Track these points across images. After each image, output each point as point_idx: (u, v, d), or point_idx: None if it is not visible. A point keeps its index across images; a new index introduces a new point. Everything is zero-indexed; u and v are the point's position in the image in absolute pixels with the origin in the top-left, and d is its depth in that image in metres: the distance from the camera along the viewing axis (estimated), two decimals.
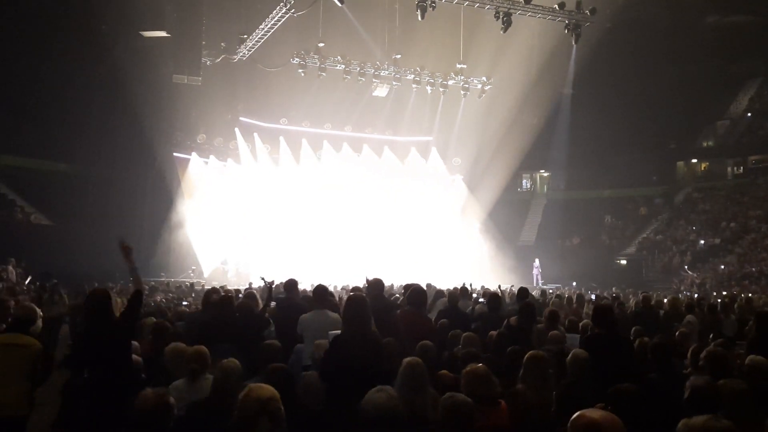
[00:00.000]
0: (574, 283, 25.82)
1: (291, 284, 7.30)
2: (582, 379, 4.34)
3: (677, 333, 6.41)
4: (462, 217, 29.32)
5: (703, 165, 36.68)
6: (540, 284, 26.24)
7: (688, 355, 5.05)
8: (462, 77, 26.66)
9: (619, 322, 7.40)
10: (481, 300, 9.51)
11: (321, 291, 6.37)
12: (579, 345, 5.28)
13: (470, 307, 9.03)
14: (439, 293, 9.66)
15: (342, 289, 14.18)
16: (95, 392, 4.10)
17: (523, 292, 8.32)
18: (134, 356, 4.77)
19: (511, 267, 27.26)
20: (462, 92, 27.35)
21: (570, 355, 4.44)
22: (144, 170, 25.65)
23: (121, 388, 4.14)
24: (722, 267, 26.23)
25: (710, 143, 36.95)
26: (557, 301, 10.45)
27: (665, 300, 10.58)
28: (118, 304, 7.25)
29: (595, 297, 12.52)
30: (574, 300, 11.39)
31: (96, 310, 4.57)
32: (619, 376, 4.10)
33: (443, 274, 21.33)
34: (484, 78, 27.07)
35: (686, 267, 27.78)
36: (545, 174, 38.76)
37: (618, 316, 8.44)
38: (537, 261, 28.39)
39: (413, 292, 6.33)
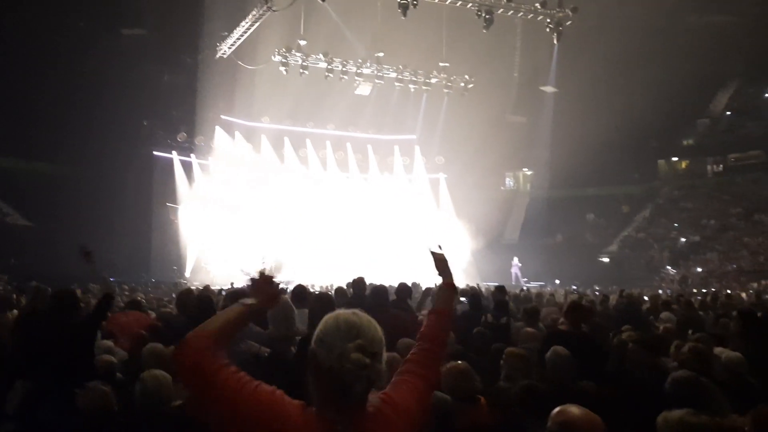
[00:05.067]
0: (558, 281, 25.98)
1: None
2: (554, 376, 4.34)
3: (661, 329, 6.46)
4: (445, 216, 29.35)
5: (684, 163, 37.13)
6: (523, 282, 26.36)
7: (672, 350, 5.08)
8: (444, 75, 26.70)
9: (602, 320, 7.47)
10: (462, 299, 9.50)
11: (299, 291, 6.36)
12: (542, 342, 5.29)
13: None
14: (427, 291, 9.68)
15: (320, 288, 14.12)
16: (50, 394, 4.02)
17: (500, 290, 8.33)
18: (106, 356, 4.70)
19: (495, 265, 27.38)
20: (445, 90, 27.39)
21: (549, 352, 4.45)
22: (124, 169, 25.39)
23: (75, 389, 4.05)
24: (699, 269, 26.53)
25: (691, 142, 37.40)
26: (551, 300, 10.47)
27: (645, 297, 10.67)
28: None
29: (567, 294, 12.57)
30: (557, 298, 11.47)
31: (59, 310, 4.49)
32: (583, 374, 4.11)
33: (427, 272, 21.29)
34: (466, 76, 27.13)
35: (667, 266, 28.09)
36: (528, 172, 38.97)
37: (601, 313, 8.52)
38: (516, 259, 28.61)
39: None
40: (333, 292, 8.73)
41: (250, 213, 26.07)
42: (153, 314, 7.73)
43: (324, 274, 19.56)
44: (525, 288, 18.19)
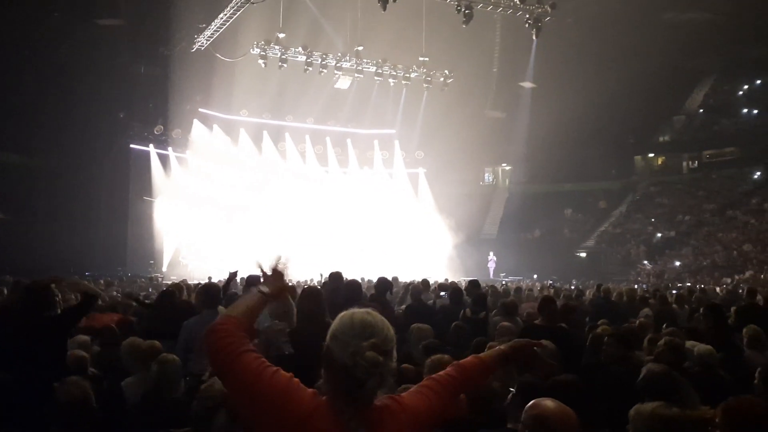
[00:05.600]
0: (535, 276, 26.22)
1: (252, 279, 7.25)
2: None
3: (637, 323, 6.56)
4: (424, 211, 29.43)
5: (660, 159, 37.64)
6: (501, 276, 26.57)
7: (645, 344, 5.16)
8: (424, 70, 26.70)
9: (574, 309, 7.57)
10: (442, 293, 9.56)
11: None
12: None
13: (432, 300, 9.08)
14: (408, 287, 9.73)
15: (298, 283, 14.11)
16: (21, 389, 3.98)
17: (474, 284, 8.39)
18: (78, 351, 4.65)
19: (474, 260, 27.54)
20: (424, 85, 27.39)
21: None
22: (100, 162, 25.05)
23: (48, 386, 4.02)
24: (677, 263, 26.94)
25: (667, 138, 37.93)
26: (530, 295, 10.54)
27: (621, 291, 10.81)
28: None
29: (543, 289, 12.71)
30: (536, 292, 11.55)
31: (33, 303, 4.44)
32: (565, 367, 4.16)
33: (406, 267, 21.40)
34: (446, 71, 27.15)
35: (645, 260, 28.48)
36: (507, 167, 39.20)
37: (577, 307, 8.61)
38: (491, 254, 28.87)
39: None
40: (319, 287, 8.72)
41: (228, 207, 25.91)
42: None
43: (302, 269, 19.50)
44: (504, 282, 18.37)
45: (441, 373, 2.11)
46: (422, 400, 1.95)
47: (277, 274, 2.09)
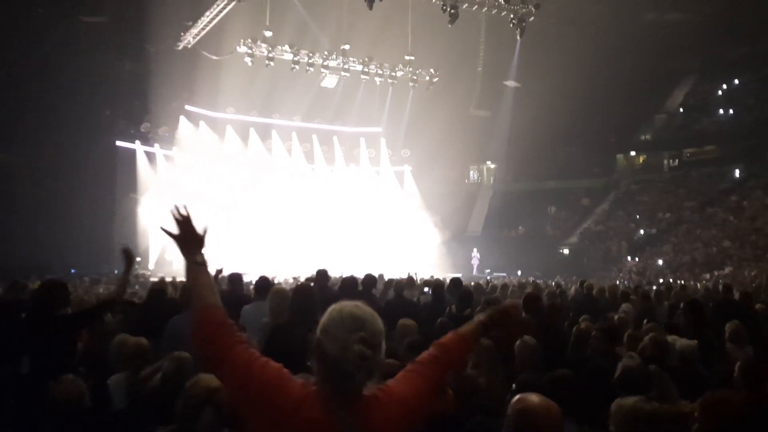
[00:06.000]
0: (519, 272, 26.35)
1: (235, 277, 7.25)
2: (531, 365, 4.42)
3: (616, 319, 6.62)
4: (410, 208, 29.48)
5: (641, 158, 37.95)
6: (486, 273, 26.67)
7: (624, 339, 5.21)
8: (410, 69, 26.72)
9: (560, 310, 7.60)
10: (426, 290, 9.56)
11: (263, 283, 6.35)
12: None
13: (416, 297, 9.09)
14: (389, 284, 9.71)
15: (285, 280, 14.09)
16: (20, 385, 3.97)
17: (456, 282, 8.36)
18: None
19: (459, 257, 27.63)
20: (410, 84, 27.42)
21: (518, 343, 4.53)
22: (85, 160, 24.77)
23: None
24: (660, 261, 27.19)
25: (648, 137, 38.25)
26: (515, 292, 10.56)
27: (603, 288, 10.90)
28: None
29: (527, 285, 12.78)
30: (518, 288, 11.57)
31: (47, 301, 4.44)
32: (549, 363, 4.21)
33: (391, 264, 21.43)
34: (431, 70, 27.20)
35: (628, 257, 28.72)
36: (492, 165, 39.35)
37: (560, 303, 8.66)
38: (475, 250, 29.01)
39: (344, 282, 6.42)
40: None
41: (215, 204, 25.77)
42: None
43: (289, 266, 19.49)
44: (489, 279, 18.42)
45: (424, 354, 2.11)
46: (409, 387, 1.96)
47: (184, 223, 2.03)
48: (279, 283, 9.91)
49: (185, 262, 2.01)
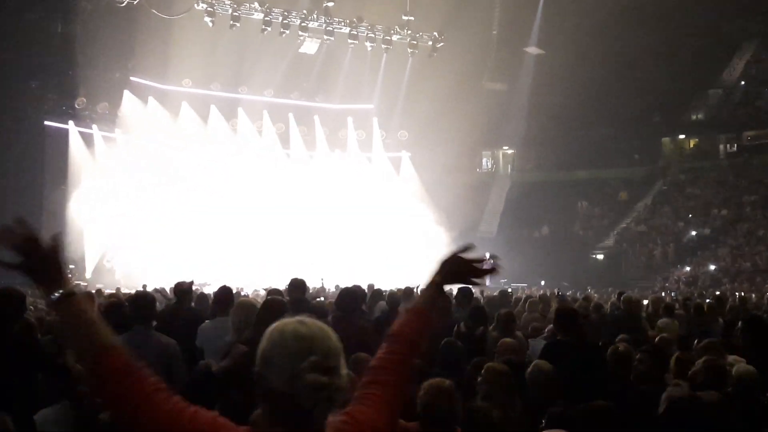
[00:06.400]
0: (543, 282, 26.43)
1: (182, 289, 7.25)
2: (547, 396, 4.44)
3: (657, 338, 6.62)
4: (409, 204, 29.45)
5: (692, 142, 38.04)
6: (502, 283, 26.69)
7: (672, 363, 5.21)
8: (409, 32, 26.72)
9: (596, 328, 7.61)
10: None
11: (224, 295, 6.33)
12: (539, 355, 5.40)
13: None
14: (377, 294, 9.71)
15: (255, 292, 14.08)
16: None
17: (465, 293, 8.34)
18: None
19: None
20: (409, 50, 27.42)
21: (530, 367, 4.53)
22: (7, 142, 24.68)
23: None
24: (711, 267, 27.29)
25: (700, 116, 38.29)
26: (535, 304, 10.58)
27: (646, 301, 10.92)
28: None
29: (560, 297, 12.80)
30: (540, 302, 11.59)
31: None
32: (589, 391, 4.22)
33: (385, 272, 21.43)
34: (435, 33, 27.21)
35: (673, 264, 28.83)
36: (509, 151, 39.39)
37: (595, 320, 8.69)
38: (488, 255, 28.87)
39: (343, 295, 6.39)
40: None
41: (168, 197, 25.72)
42: None
43: (257, 276, 19.48)
44: (510, 290, 18.42)
45: (379, 356, 2.08)
46: (377, 407, 1.93)
47: (27, 246, 1.81)
48: (246, 296, 9.91)
49: (46, 301, 1.83)
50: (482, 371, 4.56)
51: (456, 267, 2.35)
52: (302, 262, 21.12)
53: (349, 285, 7.99)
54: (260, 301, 6.44)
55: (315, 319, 1.86)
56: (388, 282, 16.37)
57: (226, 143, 28.04)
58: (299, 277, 7.52)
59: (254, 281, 18.26)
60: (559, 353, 5.14)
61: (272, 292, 7.50)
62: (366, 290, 10.29)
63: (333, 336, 1.81)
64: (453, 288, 14.38)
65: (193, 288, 8.66)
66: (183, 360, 5.26)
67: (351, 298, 6.32)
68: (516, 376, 4.65)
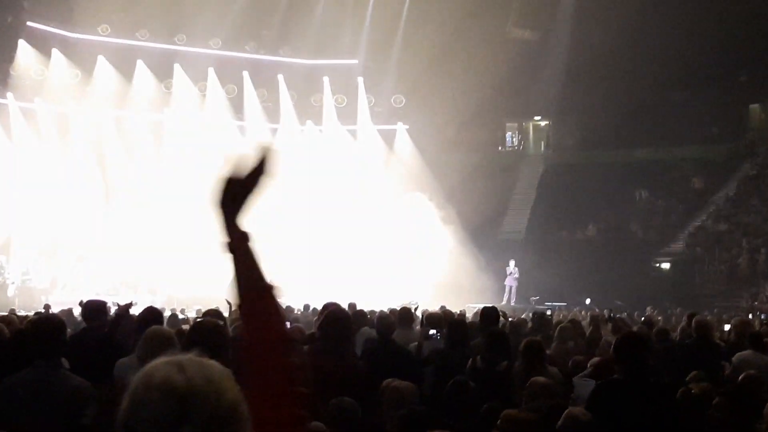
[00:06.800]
0: (588, 300, 26.39)
1: (94, 307, 7.24)
2: None
3: (742, 377, 6.60)
4: (404, 193, 29.42)
5: None
6: (532, 302, 26.70)
7: (766, 411, 5.19)
8: None
9: (660, 362, 7.59)
10: (433, 331, 9.55)
11: (150, 320, 6.32)
12: (588, 400, 5.38)
13: (416, 342, 9.06)
14: (360, 316, 9.68)
15: (198, 311, 14.11)
16: None
17: (490, 314, 8.29)
18: None
19: (487, 274, 27.60)
20: None
21: (563, 417, 4.51)
22: None
23: None
24: None
25: None
26: (568, 327, 10.55)
27: (727, 326, 10.92)
28: None
29: (612, 321, 12.78)
30: (589, 325, 11.57)
31: None
32: None
33: (376, 287, 21.44)
34: None
35: (764, 273, 28.85)
36: (542, 123, 39.37)
37: (659, 352, 8.67)
38: (512, 264, 28.77)
39: (328, 319, 6.35)
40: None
41: (79, 183, 25.71)
42: None
43: (197, 290, 19.52)
44: (549, 314, 18.37)
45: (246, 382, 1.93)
46: None
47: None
48: (180, 318, 9.87)
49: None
50: (500, 422, 4.54)
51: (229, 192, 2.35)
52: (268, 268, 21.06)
53: (323, 304, 7.99)
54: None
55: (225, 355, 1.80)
56: (377, 300, 16.36)
57: (157, 110, 27.99)
58: None
59: (197, 298, 18.26)
60: (616, 397, 5.10)
61: (209, 314, 7.47)
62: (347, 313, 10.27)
63: (229, 389, 1.67)
64: (467, 308, 14.34)
65: (112, 308, 8.64)
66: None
67: (341, 323, 6.28)
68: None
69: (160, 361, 1.69)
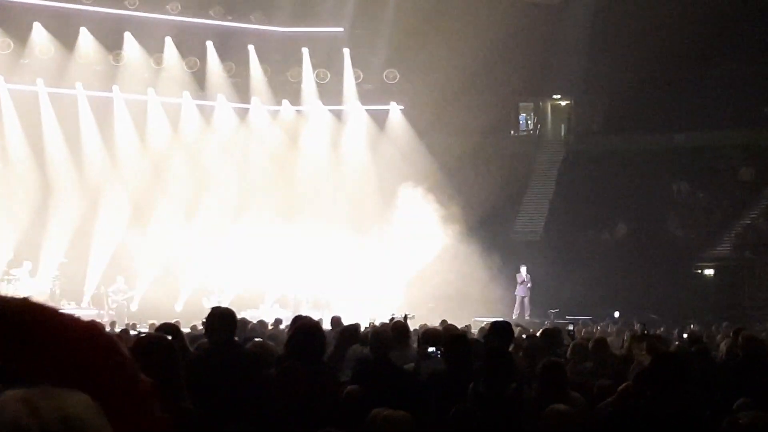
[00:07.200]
0: (617, 314, 26.41)
1: None
2: None
3: None
4: (398, 184, 29.38)
5: None
6: (551, 315, 26.71)
7: None
8: None
9: (702, 386, 7.59)
10: (432, 350, 9.55)
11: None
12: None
13: (413, 362, 9.06)
14: (350, 333, 9.64)
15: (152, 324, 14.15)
16: None
17: (499, 330, 8.27)
18: None
19: (500, 281, 27.62)
20: None
21: None
22: None
23: None
24: None
25: None
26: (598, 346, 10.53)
27: None
28: None
29: (646, 337, 12.76)
30: (624, 342, 11.56)
31: None
32: None
33: (364, 298, 21.47)
34: None
35: None
36: (563, 103, 39.41)
37: (701, 374, 8.66)
38: (524, 270, 28.70)
39: (298, 334, 6.34)
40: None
41: (9, 174, 25.76)
42: None
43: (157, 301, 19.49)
44: (571, 330, 18.36)
45: None
46: None
47: None
48: (132, 334, 9.82)
49: None
50: None
51: None
52: (232, 273, 21.15)
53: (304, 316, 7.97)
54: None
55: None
56: (366, 313, 16.37)
57: (104, 87, 27.98)
58: (224, 305, 7.48)
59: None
60: (638, 424, 5.08)
61: (161, 329, 7.42)
62: (330, 326, 10.22)
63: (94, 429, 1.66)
64: (472, 323, 14.37)
65: None
66: None
67: (313, 337, 6.28)
68: None
69: (9, 396, 1.58)
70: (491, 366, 6.46)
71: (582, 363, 9.39)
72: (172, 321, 15.22)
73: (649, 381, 5.44)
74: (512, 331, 8.74)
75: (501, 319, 10.19)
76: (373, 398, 6.42)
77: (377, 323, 11.42)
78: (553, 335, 11.32)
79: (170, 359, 4.60)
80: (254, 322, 12.68)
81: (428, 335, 10.15)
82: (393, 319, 11.35)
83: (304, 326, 6.65)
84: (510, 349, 8.23)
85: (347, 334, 9.53)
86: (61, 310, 1.82)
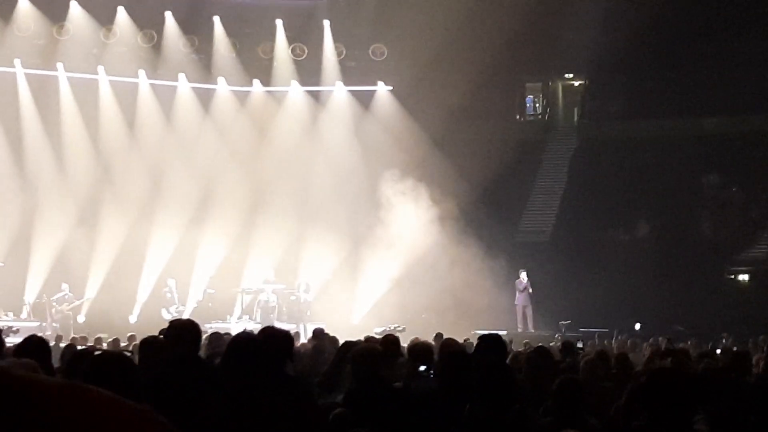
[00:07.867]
0: (638, 325, 26.47)
1: None
2: None
3: None
4: (388, 180, 29.42)
5: None
6: (561, 327, 26.76)
7: None
8: None
9: (736, 406, 7.66)
10: (423, 368, 9.58)
11: (30, 348, 6.44)
12: None
13: (402, 381, 9.10)
14: (344, 351, 9.68)
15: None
16: None
17: (491, 344, 8.31)
18: None
19: (502, 288, 27.66)
20: None
21: None
22: None
23: None
24: None
25: None
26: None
27: None
28: None
29: (672, 351, 12.83)
30: (647, 361, 11.62)
31: None
32: None
33: (352, 308, 21.56)
34: None
35: None
36: (575, 83, 39.48)
37: (735, 392, 8.71)
38: (524, 276, 28.60)
39: (236, 345, 6.40)
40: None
41: None
42: None
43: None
44: (579, 347, 18.40)
45: None
46: None
47: None
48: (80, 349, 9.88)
49: None
50: None
51: None
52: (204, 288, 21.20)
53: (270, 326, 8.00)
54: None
55: None
56: (353, 325, 16.42)
57: (46, 64, 28.04)
58: (185, 317, 7.52)
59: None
60: None
61: (115, 344, 7.47)
62: (312, 339, 10.26)
63: None
64: (471, 336, 14.44)
65: None
66: None
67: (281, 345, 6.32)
68: None
69: None
70: (488, 384, 6.46)
71: (601, 382, 9.42)
72: (127, 335, 15.39)
73: (644, 400, 5.44)
74: (505, 345, 8.73)
75: (490, 332, 10.22)
76: (362, 421, 6.48)
77: (362, 337, 11.43)
78: (546, 353, 11.39)
79: (130, 376, 4.63)
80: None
81: (417, 350, 10.15)
82: (387, 334, 11.40)
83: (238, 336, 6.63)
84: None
85: (343, 351, 9.57)
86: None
